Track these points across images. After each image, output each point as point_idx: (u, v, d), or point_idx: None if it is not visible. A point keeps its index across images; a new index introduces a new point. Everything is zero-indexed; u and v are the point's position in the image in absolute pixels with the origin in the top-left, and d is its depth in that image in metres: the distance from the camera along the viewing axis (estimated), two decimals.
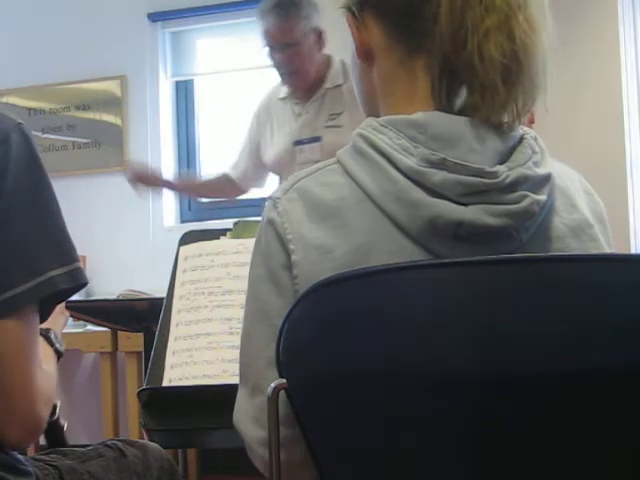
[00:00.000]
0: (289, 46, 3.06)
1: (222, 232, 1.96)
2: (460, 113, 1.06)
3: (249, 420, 1.07)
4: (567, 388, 0.94)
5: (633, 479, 0.97)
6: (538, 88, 1.05)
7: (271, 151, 3.25)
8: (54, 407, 1.46)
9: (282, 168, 3.24)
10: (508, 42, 1.02)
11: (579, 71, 3.65)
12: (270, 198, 1.08)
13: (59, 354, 1.38)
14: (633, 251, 3.53)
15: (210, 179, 3.53)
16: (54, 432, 1.53)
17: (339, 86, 3.15)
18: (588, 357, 0.93)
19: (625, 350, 0.94)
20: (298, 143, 3.17)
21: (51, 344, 1.36)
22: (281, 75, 3.14)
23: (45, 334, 1.35)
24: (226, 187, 3.41)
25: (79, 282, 1.21)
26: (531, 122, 3.98)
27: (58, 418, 1.52)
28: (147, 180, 3.34)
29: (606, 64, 3.63)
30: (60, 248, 1.20)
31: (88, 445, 1.51)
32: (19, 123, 1.20)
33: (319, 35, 3.12)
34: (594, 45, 3.64)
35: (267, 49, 3.10)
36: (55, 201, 1.21)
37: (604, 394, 0.94)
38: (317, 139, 3.15)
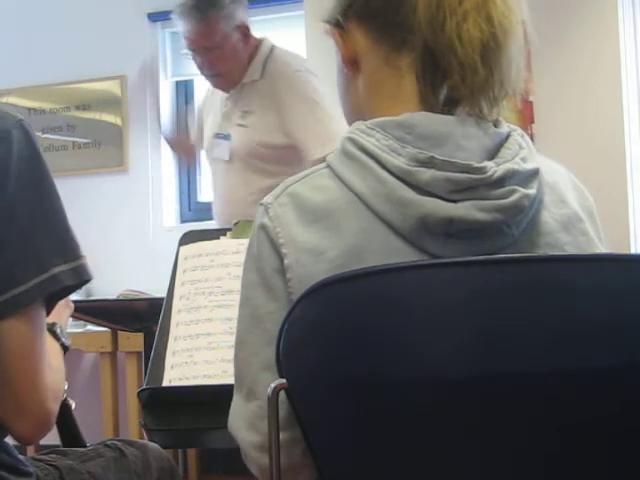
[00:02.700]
0: (210, 50, 2.92)
1: (222, 232, 1.95)
2: (445, 104, 1.07)
3: (244, 425, 1.07)
4: (567, 387, 0.94)
5: (628, 477, 0.97)
6: (516, 72, 1.07)
7: (204, 138, 3.17)
8: None
9: (208, 159, 3.16)
10: (486, 23, 1.04)
11: (579, 71, 3.65)
12: (262, 204, 1.08)
13: (65, 348, 1.38)
14: (633, 251, 3.53)
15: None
16: (62, 412, 1.53)
17: (255, 81, 2.99)
18: (587, 356, 0.93)
19: (623, 350, 0.94)
20: (216, 136, 3.07)
21: (57, 338, 1.36)
22: (205, 77, 3.03)
23: (51, 328, 1.34)
24: None
25: (84, 278, 1.22)
26: (531, 122, 3.99)
27: (66, 398, 1.52)
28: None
29: (606, 64, 3.63)
30: (64, 244, 1.20)
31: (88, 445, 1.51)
32: (20, 119, 1.19)
33: (244, 31, 2.96)
34: (594, 45, 3.64)
35: (189, 52, 2.98)
36: (58, 197, 1.21)
37: (603, 394, 0.95)
38: (228, 137, 3.03)
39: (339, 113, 3.20)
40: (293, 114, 2.91)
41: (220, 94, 3.08)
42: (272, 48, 3.02)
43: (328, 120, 2.85)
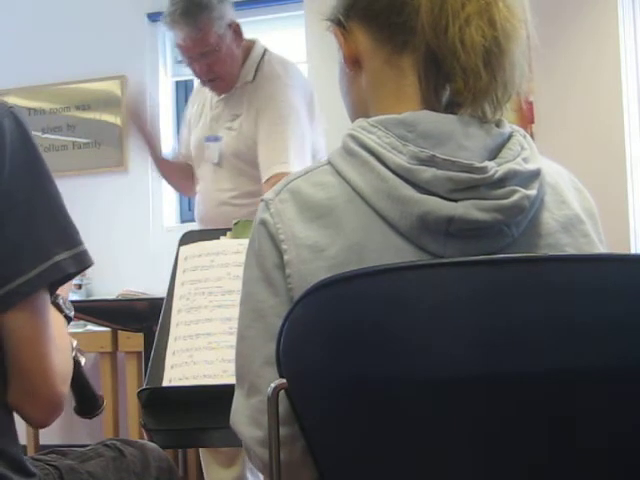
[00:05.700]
0: (207, 54, 2.83)
1: (222, 232, 1.95)
2: (447, 107, 1.07)
3: (246, 420, 1.08)
4: (566, 387, 0.94)
5: (628, 477, 0.97)
6: (519, 76, 1.07)
7: (192, 141, 3.08)
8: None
9: (196, 162, 3.06)
10: (489, 27, 1.04)
11: (579, 71, 3.65)
12: (263, 200, 1.09)
13: (69, 319, 1.39)
14: (633, 251, 3.53)
15: (179, 162, 3.22)
16: (73, 368, 1.53)
17: (247, 84, 2.92)
18: (588, 356, 0.93)
19: (624, 350, 0.94)
20: (206, 139, 2.99)
21: (60, 310, 1.36)
22: (203, 83, 2.95)
23: (54, 300, 1.34)
24: (189, 172, 3.17)
25: (85, 265, 1.23)
26: (531, 122, 3.98)
27: (75, 355, 1.52)
28: (141, 129, 3.09)
29: (606, 64, 3.63)
30: (64, 231, 1.20)
31: (87, 445, 1.51)
32: (10, 107, 1.18)
33: (235, 29, 2.89)
34: (594, 45, 3.64)
35: (184, 60, 2.90)
36: (54, 184, 1.21)
37: (602, 393, 0.95)
38: (218, 139, 2.96)
39: (306, 137, 3.09)
40: (262, 126, 2.88)
41: (209, 97, 3.03)
42: (265, 51, 2.98)
43: (289, 142, 2.82)
